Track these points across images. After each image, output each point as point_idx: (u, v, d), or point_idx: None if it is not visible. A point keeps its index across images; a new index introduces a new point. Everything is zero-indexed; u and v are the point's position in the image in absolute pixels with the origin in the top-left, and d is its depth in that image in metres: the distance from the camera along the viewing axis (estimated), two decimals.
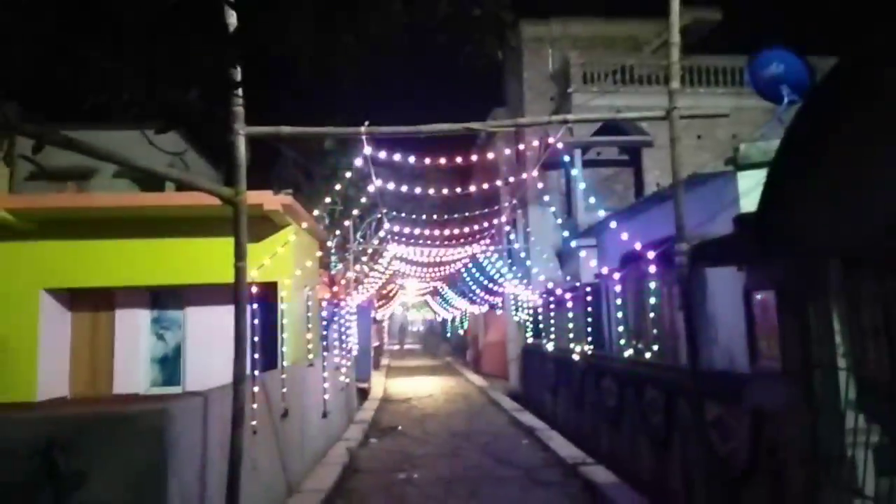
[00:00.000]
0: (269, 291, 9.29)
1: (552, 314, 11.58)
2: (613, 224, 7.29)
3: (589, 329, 9.72)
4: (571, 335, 9.92)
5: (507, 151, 17.10)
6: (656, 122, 15.85)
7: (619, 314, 8.49)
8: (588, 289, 9.82)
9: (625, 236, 6.78)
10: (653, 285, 7.05)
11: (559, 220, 14.89)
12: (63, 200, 10.38)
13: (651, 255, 6.40)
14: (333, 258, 16.07)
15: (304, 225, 10.46)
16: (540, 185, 15.97)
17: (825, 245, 3.83)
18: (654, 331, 8.11)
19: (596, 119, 8.98)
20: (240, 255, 5.27)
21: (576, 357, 9.50)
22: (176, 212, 8.87)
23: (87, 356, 10.23)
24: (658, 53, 17.54)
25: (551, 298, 11.84)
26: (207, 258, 8.61)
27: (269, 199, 8.80)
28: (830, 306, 3.88)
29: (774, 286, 4.40)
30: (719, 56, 17.04)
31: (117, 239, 8.98)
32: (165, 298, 10.60)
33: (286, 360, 9.22)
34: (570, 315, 9.99)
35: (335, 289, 15.01)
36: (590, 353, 9.54)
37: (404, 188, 8.25)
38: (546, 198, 14.95)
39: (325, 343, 11.13)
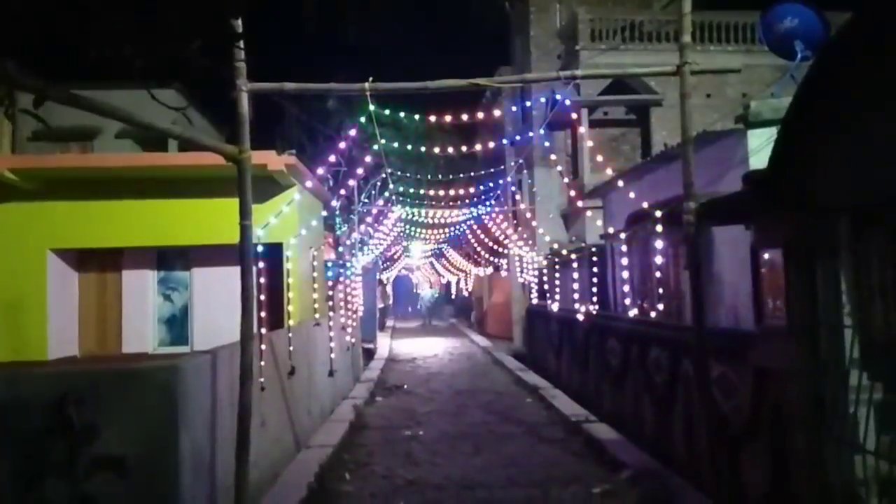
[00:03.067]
0: (274, 252, 9.32)
1: (557, 275, 11.62)
2: (620, 184, 7.22)
3: (594, 289, 9.75)
4: (576, 296, 9.95)
5: (514, 109, 16.88)
6: (665, 80, 15.65)
7: (625, 274, 8.49)
8: (593, 249, 9.80)
9: (631, 196, 6.73)
10: (659, 245, 7.02)
11: (566, 180, 14.77)
12: (67, 160, 10.37)
13: (658, 214, 6.35)
14: (338, 219, 16.06)
15: (309, 185, 10.46)
16: (546, 145, 15.82)
17: (835, 203, 3.79)
18: (660, 291, 8.12)
19: (605, 75, 8.81)
20: (245, 213, 5.27)
21: (580, 317, 9.54)
22: (181, 172, 8.84)
23: (96, 316, 10.35)
24: (668, 10, 17.14)
25: (556, 259, 11.85)
26: (213, 219, 8.62)
27: (273, 159, 8.76)
28: (839, 265, 3.86)
29: (782, 244, 4.37)
30: (730, 11, 16.63)
31: (123, 199, 9.02)
32: (172, 259, 10.67)
33: (292, 320, 9.33)
34: (576, 276, 10.01)
35: (340, 250, 15.05)
36: (594, 313, 9.58)
37: (408, 147, 8.16)
38: (553, 157, 14.81)
39: (330, 303, 11.23)
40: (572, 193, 16.02)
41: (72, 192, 8.91)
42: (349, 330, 11.25)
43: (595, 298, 9.62)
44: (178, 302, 10.97)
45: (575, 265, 10.13)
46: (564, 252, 10.87)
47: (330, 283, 12.40)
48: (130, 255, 10.07)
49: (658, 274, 8.30)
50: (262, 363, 5.92)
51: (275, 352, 6.72)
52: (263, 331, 6.12)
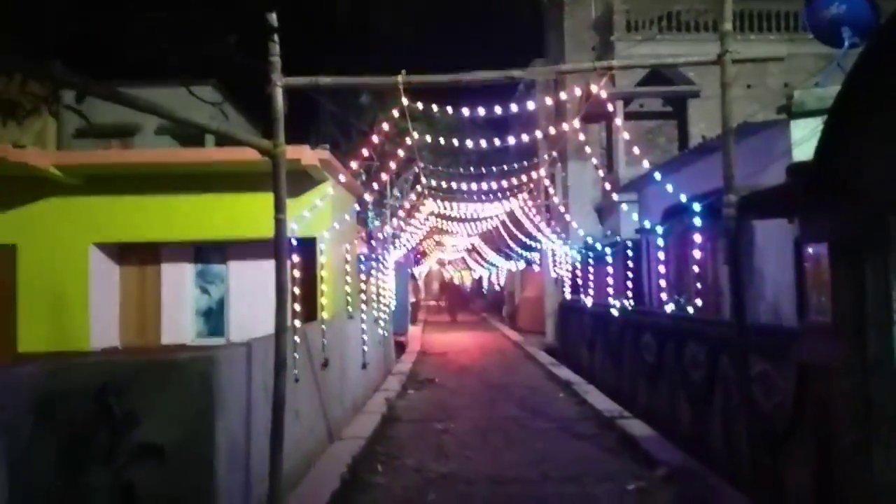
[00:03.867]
0: (307, 246, 9.41)
1: (591, 269, 11.47)
2: (658, 176, 7.08)
3: (629, 284, 9.60)
4: (611, 290, 9.81)
5: (548, 101, 16.72)
6: (703, 71, 15.28)
7: (661, 269, 8.33)
8: (629, 243, 9.65)
9: (669, 189, 6.59)
10: (697, 239, 6.87)
11: (600, 174, 14.55)
12: (108, 156, 10.62)
13: (696, 207, 6.20)
14: (371, 214, 16.13)
15: (342, 179, 10.50)
16: (581, 138, 15.64)
17: (885, 196, 3.64)
18: (698, 285, 7.96)
19: (642, 65, 8.64)
20: (279, 207, 5.32)
21: (615, 312, 9.41)
22: (217, 167, 8.99)
23: (136, 308, 10.56)
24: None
25: (591, 253, 11.70)
26: (248, 213, 8.72)
27: (307, 154, 8.81)
28: (889, 261, 3.71)
29: (829, 239, 4.22)
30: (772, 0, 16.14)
31: (162, 195, 9.16)
32: (209, 253, 10.84)
33: (325, 313, 9.42)
34: (610, 270, 9.86)
35: (373, 244, 15.13)
36: (629, 307, 9.44)
37: (441, 141, 8.13)
38: (588, 149, 14.61)
39: (363, 297, 11.30)
40: (607, 187, 15.81)
41: (113, 187, 9.08)
42: (381, 323, 11.31)
43: (630, 293, 9.47)
44: (214, 295, 11.15)
45: (609, 259, 9.98)
46: (599, 246, 10.72)
47: (363, 278, 12.49)
48: (169, 249, 10.22)
49: (695, 268, 8.13)
50: (296, 355, 5.98)
51: (309, 344, 6.78)
52: (297, 323, 6.17)
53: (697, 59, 5.88)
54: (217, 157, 9.30)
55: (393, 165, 7.80)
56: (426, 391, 10.74)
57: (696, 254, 6.73)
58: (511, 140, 11.16)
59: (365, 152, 10.31)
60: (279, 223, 5.32)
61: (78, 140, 17.11)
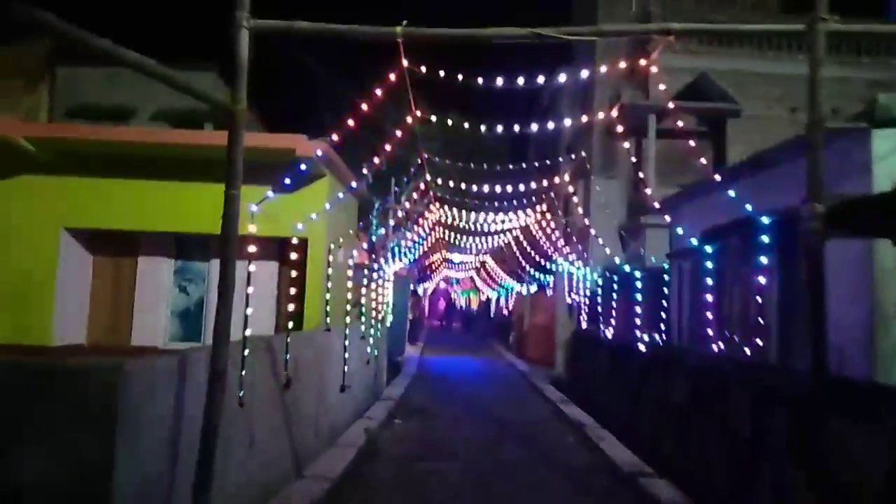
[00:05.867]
0: (299, 248, 8.43)
1: (615, 296, 10.10)
2: (694, 197, 5.80)
3: (661, 315, 8.26)
4: (637, 321, 8.46)
5: (565, 124, 15.50)
6: (744, 89, 13.95)
7: (708, 297, 7.00)
8: (664, 266, 8.32)
9: (705, 211, 5.32)
10: (763, 260, 5.58)
11: (627, 193, 13.33)
12: (85, 132, 9.67)
13: (763, 221, 4.92)
14: (374, 220, 14.97)
15: (342, 177, 9.52)
16: (606, 154, 14.42)
17: None
18: (744, 320, 6.62)
19: (708, 30, 7.48)
20: (233, 180, 4.15)
21: (641, 347, 8.04)
22: (205, 153, 7.97)
23: (109, 303, 9.64)
24: (750, 10, 15.53)
25: (615, 278, 10.36)
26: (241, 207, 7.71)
27: (301, 144, 7.90)
28: None
29: None
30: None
31: (143, 179, 8.38)
32: (191, 248, 9.96)
33: (308, 323, 8.30)
34: (639, 298, 8.53)
35: (374, 253, 13.91)
36: (657, 343, 8.08)
37: (448, 122, 6.91)
38: (614, 166, 13.39)
39: (354, 309, 10.08)
40: (633, 208, 14.56)
41: (90, 167, 8.31)
42: (371, 341, 10.02)
43: (661, 326, 8.12)
44: (193, 295, 10.19)
45: (639, 286, 8.65)
46: (627, 269, 9.40)
47: (357, 288, 11.29)
48: (148, 240, 9.35)
49: (739, 300, 6.82)
50: (244, 372, 4.73)
51: (271, 359, 5.57)
52: (249, 332, 4.95)
53: (784, 28, 4.62)
54: (205, 140, 8.29)
55: (388, 147, 6.53)
56: (416, 421, 9.37)
57: (760, 280, 5.40)
58: (532, 146, 10.22)
59: (376, 159, 9.26)
60: (230, 200, 4.15)
61: (69, 121, 16.15)
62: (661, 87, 12.76)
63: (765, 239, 4.99)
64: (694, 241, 7.10)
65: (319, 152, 8.01)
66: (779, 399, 5.32)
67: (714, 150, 15.14)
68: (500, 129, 7.71)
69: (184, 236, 9.07)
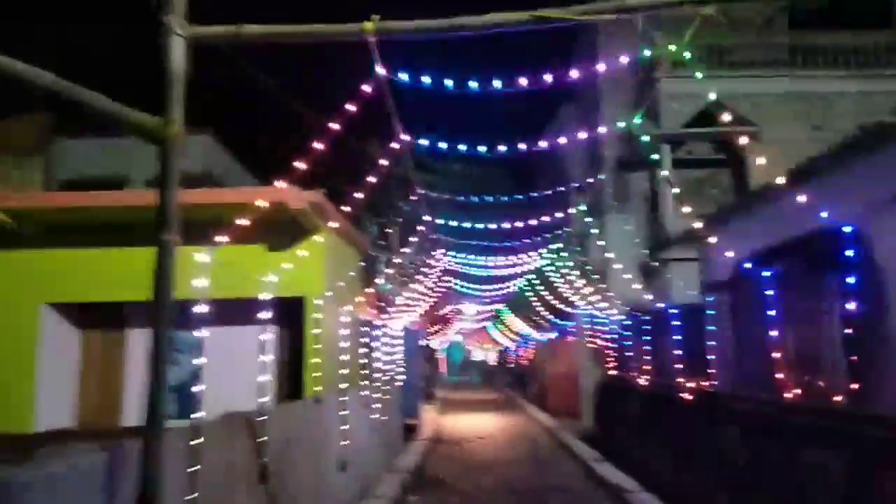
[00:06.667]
0: (294, 308, 7.67)
1: (648, 339, 9.01)
2: (737, 216, 4.88)
3: (702, 358, 7.18)
4: (677, 365, 7.38)
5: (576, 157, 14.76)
6: (763, 110, 13.14)
7: (758, 335, 5.96)
8: (709, 299, 7.28)
9: (747, 235, 4.37)
10: (849, 280, 4.58)
11: (648, 228, 12.40)
12: (63, 198, 9.09)
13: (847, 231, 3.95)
14: (381, 275, 14.12)
15: (340, 229, 8.81)
16: (617, 189, 13.57)
17: None
18: (815, 357, 5.56)
19: None
20: (166, 223, 3.29)
21: (686, 395, 6.93)
22: (194, 213, 7.30)
23: (97, 381, 8.89)
24: (761, 34, 14.89)
25: (646, 318, 9.30)
26: (232, 268, 7.01)
27: (293, 195, 7.01)
28: None
29: None
30: (840, 32, 14.23)
31: (128, 247, 7.62)
32: (182, 316, 9.07)
33: (308, 392, 7.40)
34: (676, 339, 7.46)
35: (390, 310, 12.95)
36: (704, 390, 6.97)
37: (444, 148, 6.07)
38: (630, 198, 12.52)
39: (359, 373, 9.11)
40: (653, 243, 13.63)
41: (71, 238, 7.75)
42: (376, 406, 8.96)
43: (709, 370, 7.02)
44: (187, 367, 9.28)
45: (678, 324, 7.59)
46: (661, 305, 8.36)
47: (362, 349, 10.35)
48: (136, 311, 8.62)
49: (804, 335, 5.78)
50: (198, 467, 3.74)
51: (245, 444, 4.59)
52: (200, 415, 3.99)
53: None
54: (189, 199, 7.48)
55: (373, 178, 5.70)
56: (433, 496, 8.18)
57: (849, 306, 4.38)
58: (535, 193, 9.50)
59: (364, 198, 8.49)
60: (165, 248, 3.28)
61: (65, 193, 15.69)
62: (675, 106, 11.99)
63: (849, 254, 3.99)
64: (747, 265, 6.09)
65: (311, 204, 7.32)
66: (876, 457, 4.23)
67: (734, 179, 14.24)
68: (502, 148, 6.69)
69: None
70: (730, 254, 7.15)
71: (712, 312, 7.29)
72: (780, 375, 5.49)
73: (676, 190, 12.89)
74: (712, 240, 6.96)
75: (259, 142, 17.53)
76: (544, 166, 20.06)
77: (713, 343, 7.51)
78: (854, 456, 4.46)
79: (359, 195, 6.35)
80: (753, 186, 13.25)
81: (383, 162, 6.01)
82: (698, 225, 7.50)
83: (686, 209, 9.74)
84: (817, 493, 4.79)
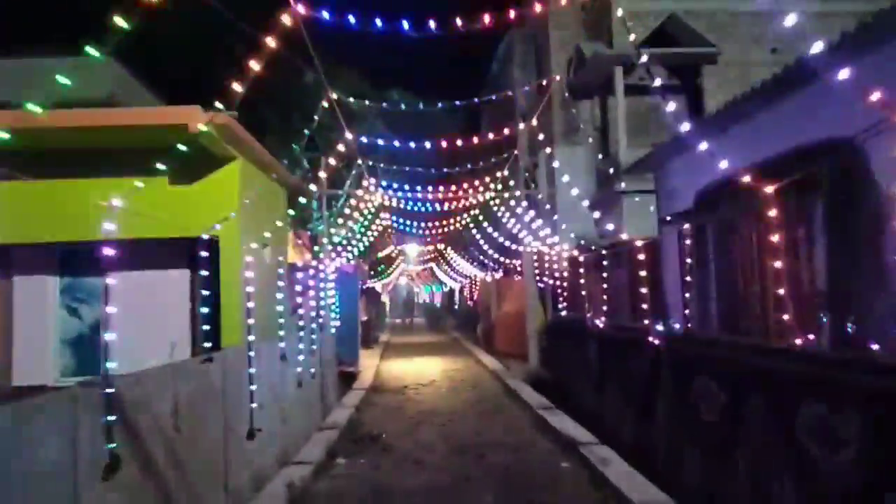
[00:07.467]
0: (209, 249, 6.53)
1: (605, 275, 8.15)
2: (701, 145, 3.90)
3: (666, 298, 6.35)
4: (644, 306, 6.55)
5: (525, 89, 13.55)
6: (720, 31, 12.24)
7: (776, 264, 5.10)
8: (686, 228, 6.37)
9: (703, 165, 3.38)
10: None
11: (600, 157, 11.49)
12: None
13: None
14: (315, 212, 12.81)
15: (259, 160, 7.62)
16: (568, 118, 12.52)
17: None
18: (793, 295, 4.75)
19: None
20: None
21: (654, 340, 6.11)
22: (93, 137, 6.33)
23: None
24: None
25: (602, 253, 8.42)
26: (136, 205, 5.93)
27: (195, 116, 5.97)
28: None
29: None
30: None
31: (14, 181, 6.76)
32: (79, 261, 7.93)
33: (224, 342, 6.42)
34: (641, 275, 6.60)
35: (317, 250, 11.73)
36: (671, 333, 6.16)
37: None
38: (581, 126, 11.52)
39: (292, 318, 8.05)
40: (603, 176, 12.78)
41: None
42: (301, 357, 7.87)
43: (686, 311, 6.19)
44: (87, 317, 8.17)
45: (642, 257, 6.70)
46: (626, 238, 7.46)
47: (296, 295, 9.22)
48: (23, 254, 7.54)
49: (778, 264, 4.97)
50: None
51: (138, 407, 3.51)
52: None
53: None
54: (70, 121, 6.18)
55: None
56: (365, 460, 7.23)
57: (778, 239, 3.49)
58: (479, 132, 8.47)
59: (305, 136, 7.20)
60: None
61: None
62: (631, 37, 10.91)
63: (845, 168, 3.05)
64: (711, 192, 5.18)
65: (216, 126, 6.10)
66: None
67: (689, 104, 13.39)
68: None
69: (70, 246, 7.18)
70: (686, 184, 6.27)
71: (670, 248, 6.43)
72: (756, 315, 4.66)
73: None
74: (642, 184, 6.01)
75: (174, 70, 15.56)
76: (489, 95, 18.76)
77: (674, 281, 6.71)
78: (856, 406, 3.68)
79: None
80: (709, 112, 12.49)
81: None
82: (652, 152, 6.58)
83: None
84: (828, 452, 4.03)
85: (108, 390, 3.39)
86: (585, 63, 12.87)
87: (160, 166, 4.89)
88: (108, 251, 3.62)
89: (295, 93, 16.68)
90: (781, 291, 5.07)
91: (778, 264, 5.01)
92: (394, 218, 13.27)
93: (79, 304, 8.08)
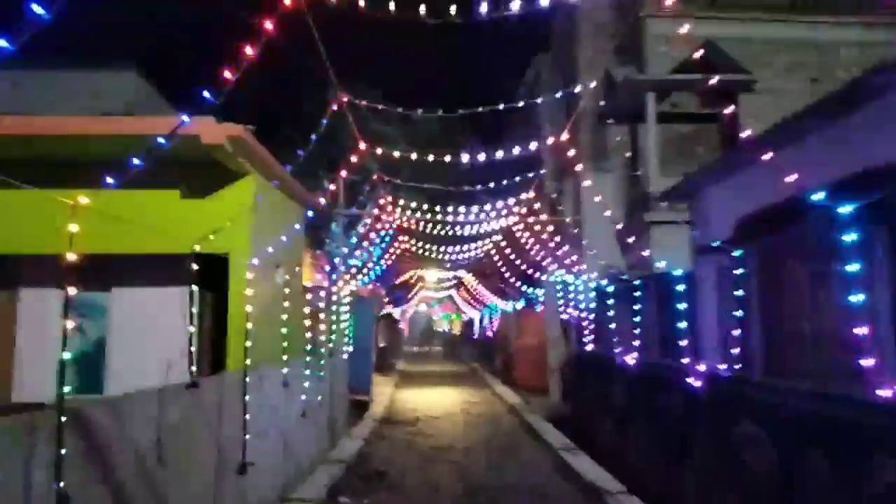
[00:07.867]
0: (219, 267, 6.35)
1: (639, 309, 7.57)
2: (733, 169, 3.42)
3: (718, 333, 5.77)
4: (682, 343, 5.97)
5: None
6: (757, 58, 11.79)
7: (778, 309, 4.56)
8: (736, 254, 5.78)
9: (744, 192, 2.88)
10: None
11: (630, 184, 10.96)
12: None
13: None
14: (336, 233, 12.47)
15: (274, 175, 7.34)
16: (596, 145, 11.96)
17: None
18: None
19: None
20: None
21: (696, 382, 5.51)
22: (102, 147, 5.81)
23: None
24: None
25: (634, 284, 7.86)
26: (142, 219, 5.91)
27: (210, 128, 5.63)
28: None
29: None
30: None
31: (20, 189, 6.19)
32: (85, 274, 7.55)
33: (229, 365, 6.01)
34: (680, 309, 6.03)
35: (338, 274, 11.34)
36: (715, 374, 5.57)
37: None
38: (610, 152, 11.01)
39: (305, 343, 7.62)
40: (632, 205, 12.26)
41: None
42: (308, 385, 7.41)
43: (734, 350, 5.59)
44: (91, 333, 7.87)
45: (680, 289, 6.15)
46: (662, 269, 6.92)
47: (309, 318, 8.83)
48: (30, 267, 7.30)
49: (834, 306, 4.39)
50: None
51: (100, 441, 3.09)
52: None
53: None
54: (77, 128, 5.97)
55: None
56: (369, 502, 6.68)
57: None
58: (501, 153, 8.18)
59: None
60: None
61: None
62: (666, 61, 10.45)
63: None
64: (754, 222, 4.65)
65: (230, 139, 5.81)
66: None
67: (723, 134, 12.88)
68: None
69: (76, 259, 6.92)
70: (721, 214, 5.73)
71: (682, 287, 5.86)
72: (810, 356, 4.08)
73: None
74: (674, 215, 5.46)
75: (192, 81, 15.51)
76: (514, 120, 18.43)
77: (711, 315, 6.14)
78: None
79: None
80: (748, 136, 11.94)
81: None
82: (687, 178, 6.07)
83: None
84: None
85: (61, 418, 2.96)
86: (615, 87, 12.48)
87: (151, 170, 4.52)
88: (71, 257, 3.26)
89: (318, 111, 16.53)
90: (856, 330, 4.50)
91: (853, 298, 4.45)
92: (412, 241, 12.86)
93: (83, 319, 7.82)
